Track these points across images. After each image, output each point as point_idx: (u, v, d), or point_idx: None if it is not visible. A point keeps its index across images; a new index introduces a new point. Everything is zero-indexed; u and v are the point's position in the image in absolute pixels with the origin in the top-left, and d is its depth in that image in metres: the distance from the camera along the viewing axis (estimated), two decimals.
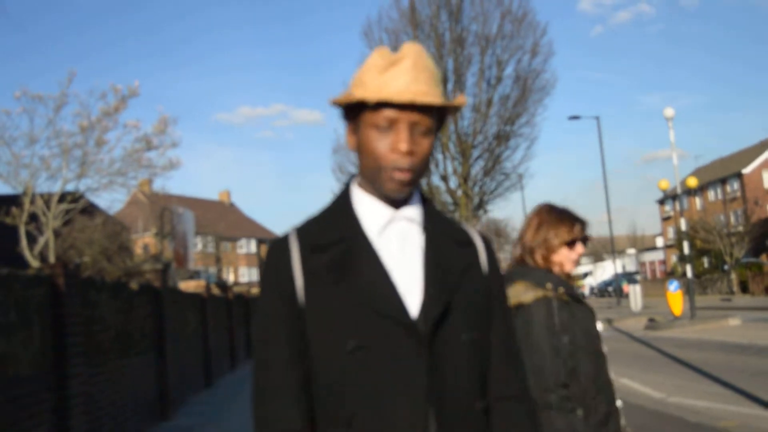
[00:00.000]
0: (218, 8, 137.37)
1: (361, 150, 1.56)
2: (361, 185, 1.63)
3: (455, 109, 1.60)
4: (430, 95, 1.50)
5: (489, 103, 24.29)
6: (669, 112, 24.45)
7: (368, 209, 1.60)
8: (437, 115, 1.57)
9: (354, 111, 1.57)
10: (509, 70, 24.45)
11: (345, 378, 1.48)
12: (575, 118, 39.29)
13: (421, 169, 1.56)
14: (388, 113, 1.50)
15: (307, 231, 1.60)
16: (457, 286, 1.56)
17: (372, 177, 1.56)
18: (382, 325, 1.48)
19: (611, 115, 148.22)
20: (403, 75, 1.50)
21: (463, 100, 1.60)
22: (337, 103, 1.57)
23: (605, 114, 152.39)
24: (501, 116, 24.38)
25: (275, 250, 1.59)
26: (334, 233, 1.57)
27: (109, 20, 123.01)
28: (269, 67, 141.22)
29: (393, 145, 1.51)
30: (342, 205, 1.63)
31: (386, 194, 1.56)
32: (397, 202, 1.60)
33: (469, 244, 1.67)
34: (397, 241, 1.58)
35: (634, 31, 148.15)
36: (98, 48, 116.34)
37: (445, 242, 1.61)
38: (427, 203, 1.67)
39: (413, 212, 1.61)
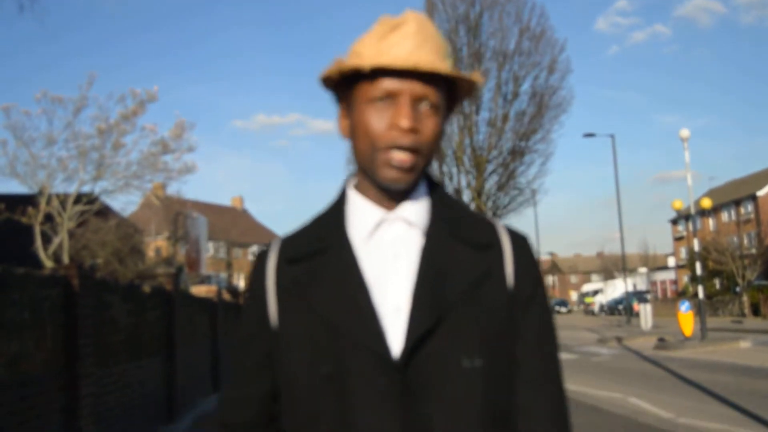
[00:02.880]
0: (240, 27, 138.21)
1: (355, 132, 1.31)
2: (356, 185, 1.38)
3: (468, 90, 1.34)
4: (437, 64, 1.25)
5: (505, 118, 24.28)
6: (685, 132, 24.43)
7: (358, 212, 1.35)
8: (447, 95, 1.32)
9: (346, 88, 1.33)
10: (526, 86, 24.46)
11: (314, 407, 1.27)
12: (590, 135, 39.21)
13: (427, 154, 1.29)
14: (387, 83, 1.25)
15: (290, 241, 1.39)
16: (459, 301, 1.27)
17: (367, 164, 1.30)
18: (352, 351, 1.25)
19: (626, 134, 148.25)
20: (406, 40, 1.26)
21: (479, 76, 1.32)
22: (328, 78, 1.33)
23: (620, 132, 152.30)
24: (516, 132, 24.37)
25: (256, 261, 1.42)
26: (314, 243, 1.35)
27: (129, 25, 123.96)
28: (287, 77, 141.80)
29: (392, 121, 1.25)
30: (333, 209, 1.39)
31: (383, 184, 1.29)
32: (392, 201, 1.34)
33: (490, 246, 1.34)
34: (388, 248, 1.32)
35: (650, 51, 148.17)
36: (118, 53, 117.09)
37: (453, 246, 1.32)
38: (437, 196, 1.39)
39: (413, 211, 1.34)
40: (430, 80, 1.26)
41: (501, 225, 1.40)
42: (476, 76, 1.31)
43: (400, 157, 1.25)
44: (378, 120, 1.26)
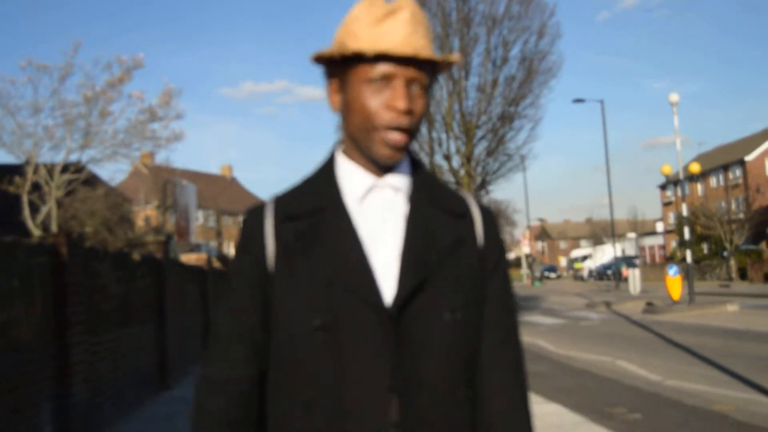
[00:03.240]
0: None
1: (350, 109, 1.40)
2: (345, 152, 1.48)
3: (445, 69, 1.46)
4: (429, 50, 1.37)
5: (494, 83, 24.11)
6: (674, 97, 24.35)
7: (349, 177, 1.45)
8: (431, 75, 1.43)
9: (341, 66, 1.41)
10: (515, 51, 24.20)
11: (307, 358, 1.35)
12: (580, 101, 39.16)
13: (415, 132, 1.41)
14: (385, 67, 1.35)
15: (285, 200, 1.47)
16: (441, 261, 1.40)
17: (361, 139, 1.40)
18: (348, 302, 1.34)
19: (616, 99, 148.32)
20: (402, 26, 1.35)
21: (459, 57, 1.46)
22: (324, 58, 1.42)
23: (610, 97, 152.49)
24: (506, 97, 24.20)
25: (250, 218, 1.48)
26: (310, 202, 1.43)
27: None
28: (274, 43, 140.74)
29: (389, 102, 1.35)
30: (323, 173, 1.48)
31: (376, 159, 1.40)
32: (382, 169, 1.44)
33: (464, 215, 1.49)
34: (378, 212, 1.42)
35: (640, 16, 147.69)
36: (103, 17, 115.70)
37: (434, 213, 1.45)
38: (418, 169, 1.51)
39: (400, 179, 1.45)
40: (422, 65, 1.38)
41: (471, 198, 1.56)
42: (456, 56, 1.44)
43: (396, 138, 1.37)
44: (374, 100, 1.36)
